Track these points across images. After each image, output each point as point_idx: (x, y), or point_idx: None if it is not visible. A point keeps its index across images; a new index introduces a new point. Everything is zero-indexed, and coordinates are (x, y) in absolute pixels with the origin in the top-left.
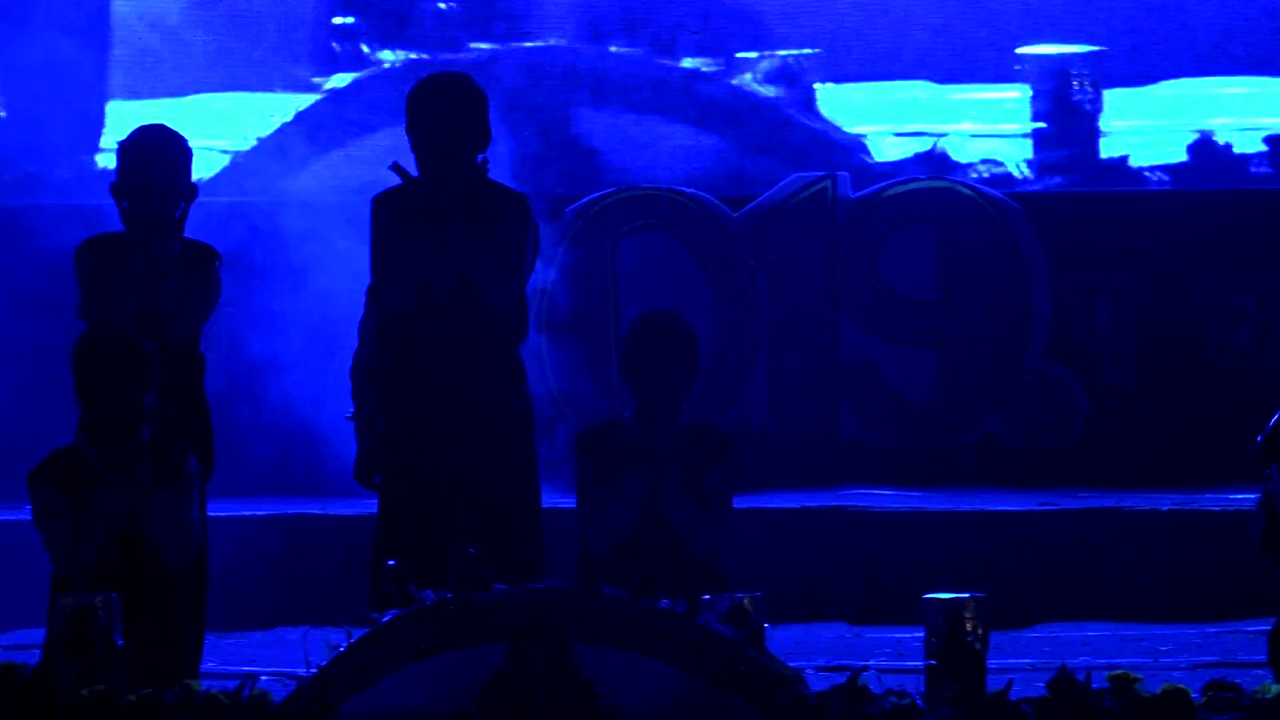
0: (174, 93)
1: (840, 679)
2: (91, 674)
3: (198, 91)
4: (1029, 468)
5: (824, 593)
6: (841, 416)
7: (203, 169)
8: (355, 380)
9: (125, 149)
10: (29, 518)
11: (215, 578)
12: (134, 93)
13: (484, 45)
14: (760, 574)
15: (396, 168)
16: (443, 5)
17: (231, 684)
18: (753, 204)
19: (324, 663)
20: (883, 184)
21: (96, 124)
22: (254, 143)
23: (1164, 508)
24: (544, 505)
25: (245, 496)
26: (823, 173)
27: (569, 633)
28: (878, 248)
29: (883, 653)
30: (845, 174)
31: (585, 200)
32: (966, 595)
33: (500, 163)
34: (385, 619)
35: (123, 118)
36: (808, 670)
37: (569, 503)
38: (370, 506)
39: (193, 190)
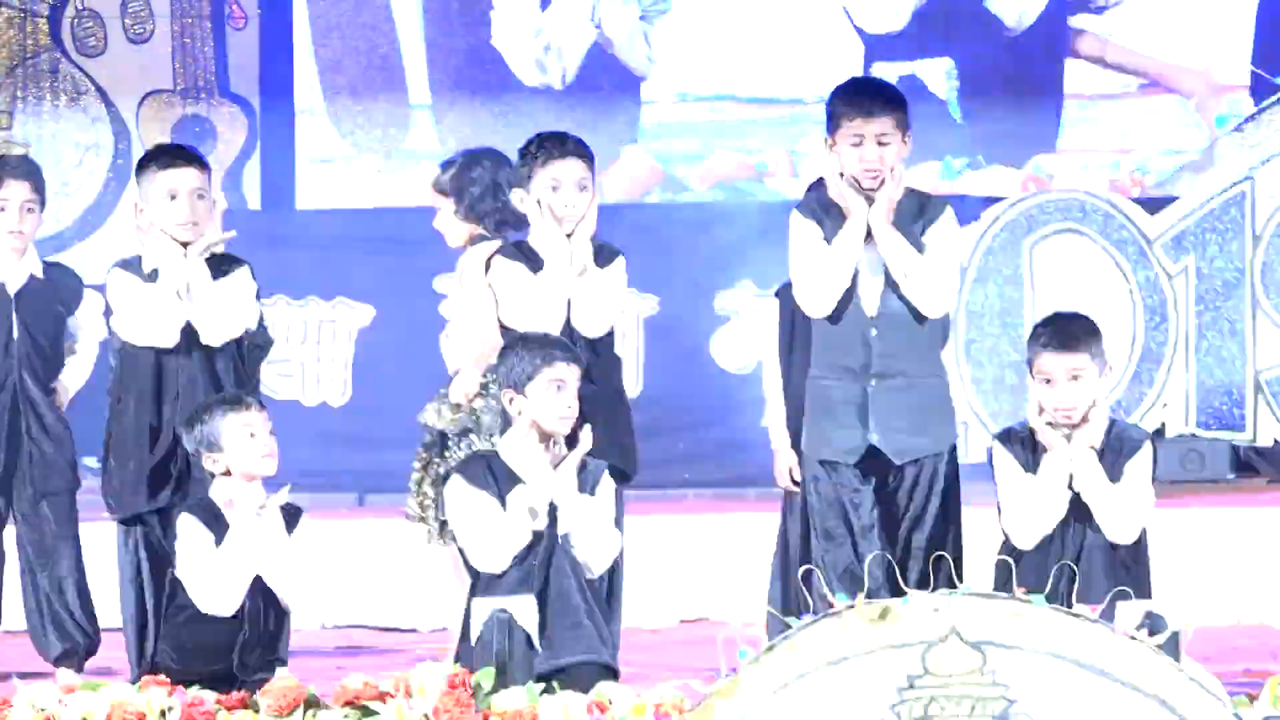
0: None
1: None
2: (507, 676)
3: None
4: None
5: (1244, 596)
6: (1260, 421)
7: None
8: (766, 384)
9: None
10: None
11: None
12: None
13: None
14: (1181, 578)
15: (830, 177)
16: None
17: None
18: (1171, 207)
19: (739, 666)
20: None
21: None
22: None
23: None
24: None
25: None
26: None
27: (984, 637)
28: None
29: None
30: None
31: (1003, 203)
32: None
33: None
34: (799, 623)
35: None
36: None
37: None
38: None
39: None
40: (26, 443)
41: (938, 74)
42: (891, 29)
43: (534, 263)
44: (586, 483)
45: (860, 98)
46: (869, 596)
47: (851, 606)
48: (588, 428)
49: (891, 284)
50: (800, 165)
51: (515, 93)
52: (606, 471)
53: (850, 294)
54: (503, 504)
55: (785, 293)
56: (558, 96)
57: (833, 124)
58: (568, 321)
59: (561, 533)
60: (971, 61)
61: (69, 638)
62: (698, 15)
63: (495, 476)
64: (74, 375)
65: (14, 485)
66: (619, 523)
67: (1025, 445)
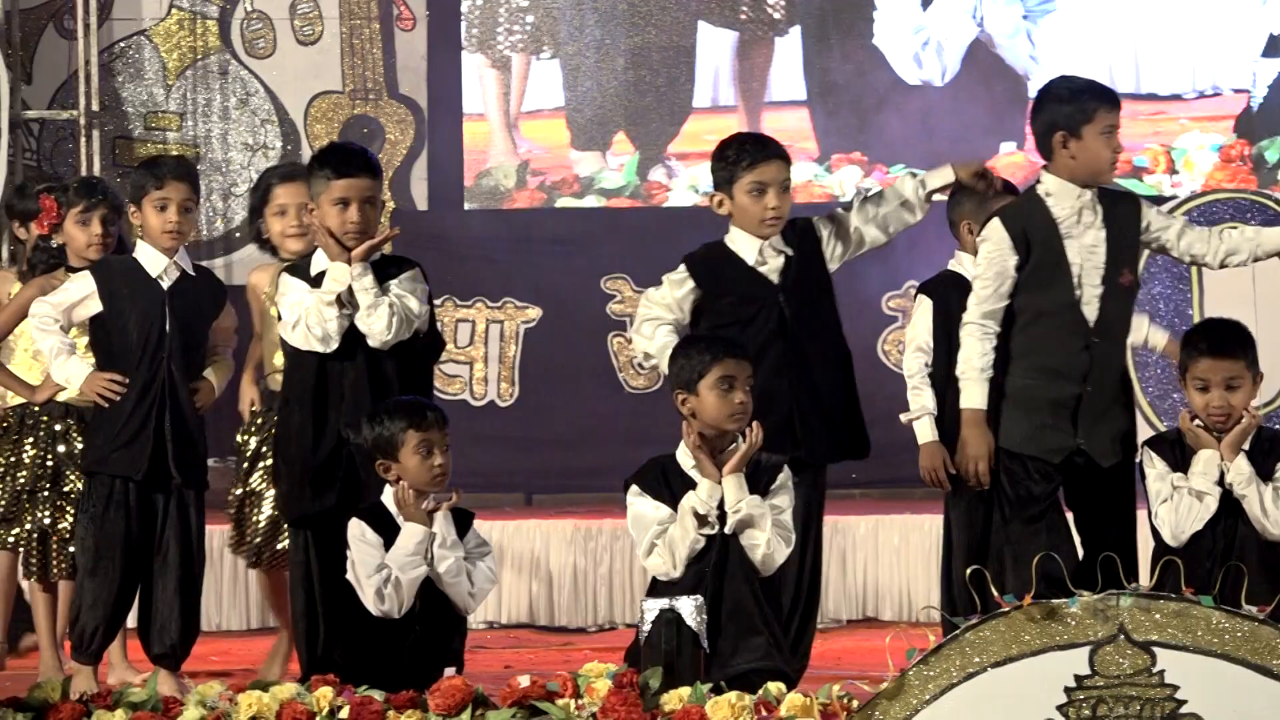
0: None
1: None
2: (675, 675)
3: None
4: None
5: None
6: None
7: None
8: (913, 380)
9: None
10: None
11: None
12: None
13: None
14: None
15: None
16: None
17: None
18: None
19: (906, 666)
20: None
21: None
22: None
23: None
24: None
25: None
26: None
27: (1152, 638)
28: None
29: None
30: None
31: (1170, 203)
32: None
33: None
34: (966, 623)
35: None
36: None
37: None
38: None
39: None
40: (169, 441)
41: None
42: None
43: (733, 264)
44: (760, 482)
45: (1112, 93)
46: (1039, 596)
47: (1019, 607)
48: (756, 425)
49: (1114, 291)
50: (1180, 162)
51: (895, 89)
52: (786, 469)
53: (1075, 304)
54: (675, 509)
55: (935, 289)
56: (937, 93)
57: (1083, 115)
58: (780, 317)
59: (729, 531)
60: None
61: (168, 638)
62: (1082, 14)
63: (669, 481)
64: (221, 375)
65: (167, 483)
66: (813, 520)
67: (1175, 448)
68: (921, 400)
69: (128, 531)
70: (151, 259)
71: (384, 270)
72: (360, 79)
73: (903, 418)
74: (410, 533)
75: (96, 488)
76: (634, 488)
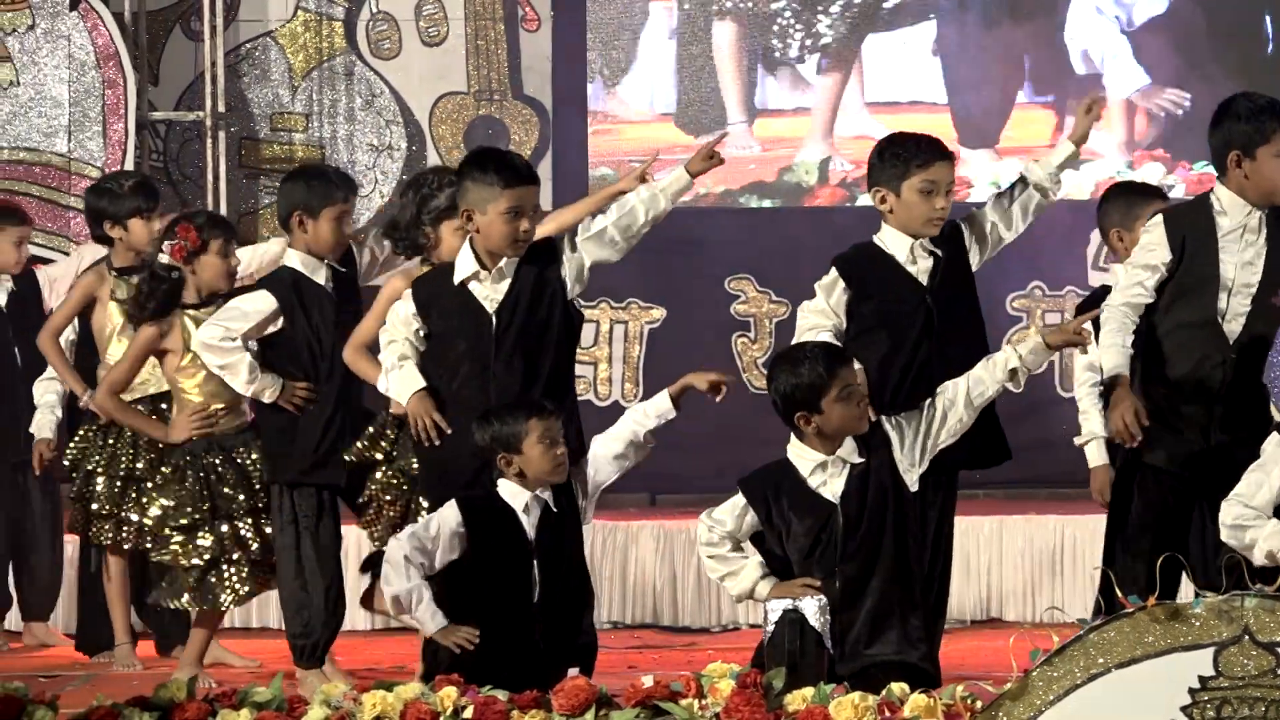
0: None
1: None
2: (801, 676)
3: None
4: None
5: None
6: None
7: None
8: (1085, 402)
9: None
10: None
11: None
12: None
13: None
14: None
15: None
16: None
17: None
18: None
19: (1030, 667)
20: None
21: None
22: None
23: None
24: None
25: None
26: None
27: (1277, 639)
28: None
29: None
30: None
31: None
32: None
33: None
34: (1091, 624)
35: None
36: None
37: None
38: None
39: None
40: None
41: None
42: None
43: (883, 263)
44: (877, 436)
45: None
46: (1161, 597)
47: (1144, 608)
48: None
49: (1261, 310)
50: None
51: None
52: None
53: (1215, 320)
54: (783, 510)
55: (1093, 306)
56: None
57: (1260, 136)
58: (927, 318)
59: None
60: None
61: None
62: None
63: (780, 487)
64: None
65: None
66: (945, 523)
67: None
68: (1091, 424)
69: (336, 536)
70: (313, 267)
71: (533, 254)
72: (485, 80)
73: (1076, 441)
74: (437, 627)
75: (303, 500)
76: (740, 493)
